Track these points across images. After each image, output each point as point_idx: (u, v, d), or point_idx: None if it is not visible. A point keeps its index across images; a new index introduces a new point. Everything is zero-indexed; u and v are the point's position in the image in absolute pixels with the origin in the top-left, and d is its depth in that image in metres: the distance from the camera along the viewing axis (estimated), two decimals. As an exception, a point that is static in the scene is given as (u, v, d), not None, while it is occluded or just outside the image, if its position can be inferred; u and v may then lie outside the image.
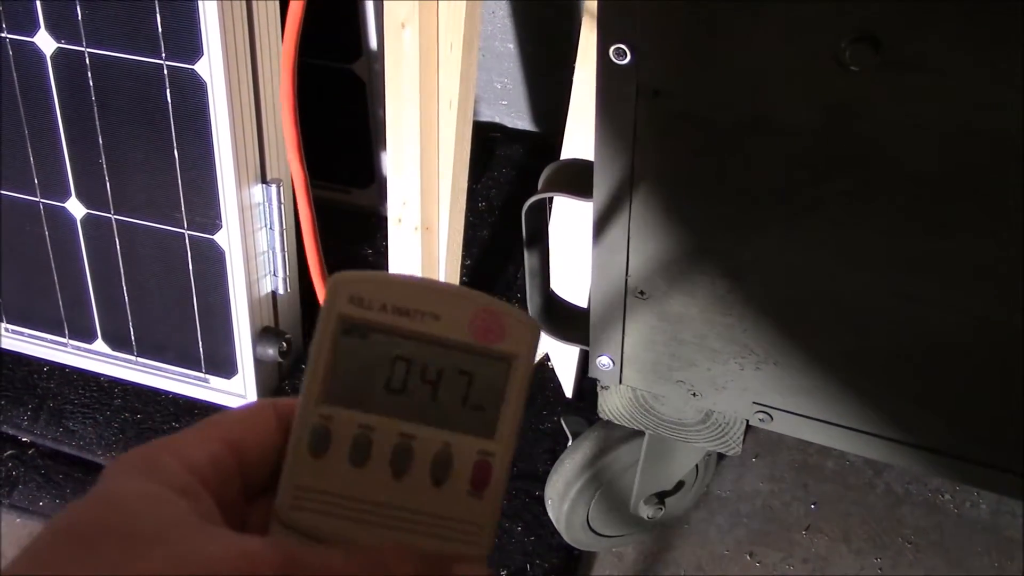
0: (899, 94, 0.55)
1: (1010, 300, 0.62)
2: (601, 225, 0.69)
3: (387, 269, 1.12)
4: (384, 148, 1.21)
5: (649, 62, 0.59)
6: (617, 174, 0.66)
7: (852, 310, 0.66)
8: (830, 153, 0.59)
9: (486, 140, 1.41)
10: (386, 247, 1.07)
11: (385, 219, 1.08)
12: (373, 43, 1.19)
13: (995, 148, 0.55)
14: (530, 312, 0.83)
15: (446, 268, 1.09)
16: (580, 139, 1.03)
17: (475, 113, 1.45)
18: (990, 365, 0.65)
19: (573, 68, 1.01)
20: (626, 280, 0.72)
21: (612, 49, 0.59)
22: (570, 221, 1.04)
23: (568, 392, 1.09)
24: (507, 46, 1.36)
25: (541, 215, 0.78)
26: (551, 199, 0.87)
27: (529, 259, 0.80)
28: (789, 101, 0.58)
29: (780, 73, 0.57)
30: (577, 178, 0.74)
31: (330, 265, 1.28)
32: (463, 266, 1.26)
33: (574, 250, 1.04)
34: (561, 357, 1.09)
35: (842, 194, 0.60)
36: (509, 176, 1.37)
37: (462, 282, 1.19)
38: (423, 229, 1.05)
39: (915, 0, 0.52)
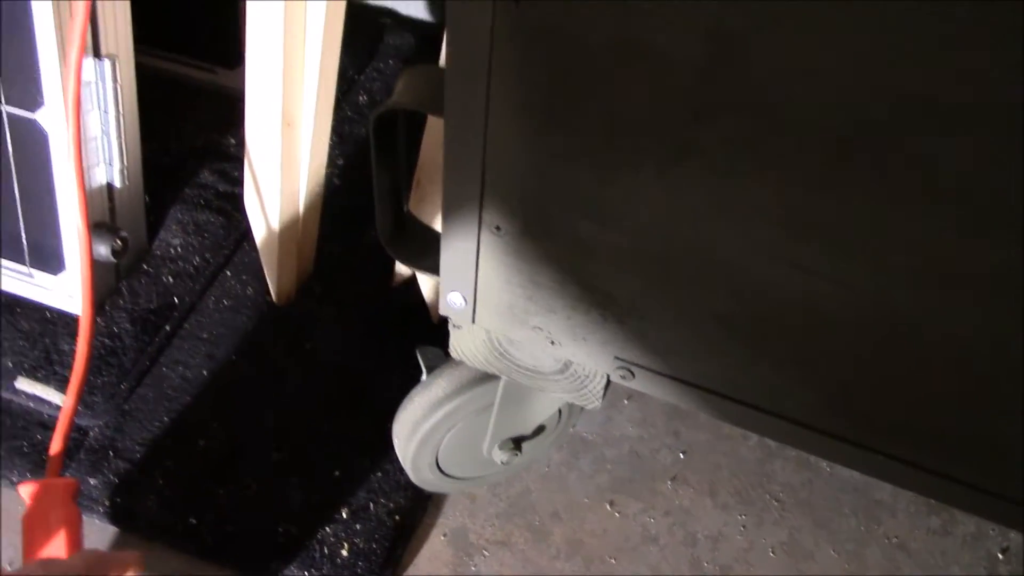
0: (796, 28, 0.46)
1: (905, 281, 0.54)
2: (453, 146, 0.60)
3: (244, 165, 1.00)
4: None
5: (509, -41, 0.49)
6: (470, 90, 0.56)
7: (727, 270, 0.58)
8: (712, 90, 0.50)
9: (374, 26, 1.28)
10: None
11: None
12: (244, -96, 1.05)
13: (902, 109, 0.47)
14: (380, 235, 0.74)
15: (310, 169, 0.98)
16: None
17: (365, -5, 1.32)
18: (879, 348, 0.58)
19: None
20: (480, 212, 0.62)
21: (465, -61, 0.49)
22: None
23: (434, 318, 1.00)
24: (405, -78, 1.23)
25: (392, 127, 0.68)
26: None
27: (378, 177, 0.70)
28: (669, 25, 0.48)
29: (660, -12, 0.47)
30: (433, 88, 0.63)
31: (194, 151, 1.15)
32: (336, 166, 1.15)
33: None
34: (429, 279, 1.00)
35: (722, 139, 0.51)
36: (396, 68, 1.25)
37: (330, 183, 1.08)
38: (284, 124, 0.94)
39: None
